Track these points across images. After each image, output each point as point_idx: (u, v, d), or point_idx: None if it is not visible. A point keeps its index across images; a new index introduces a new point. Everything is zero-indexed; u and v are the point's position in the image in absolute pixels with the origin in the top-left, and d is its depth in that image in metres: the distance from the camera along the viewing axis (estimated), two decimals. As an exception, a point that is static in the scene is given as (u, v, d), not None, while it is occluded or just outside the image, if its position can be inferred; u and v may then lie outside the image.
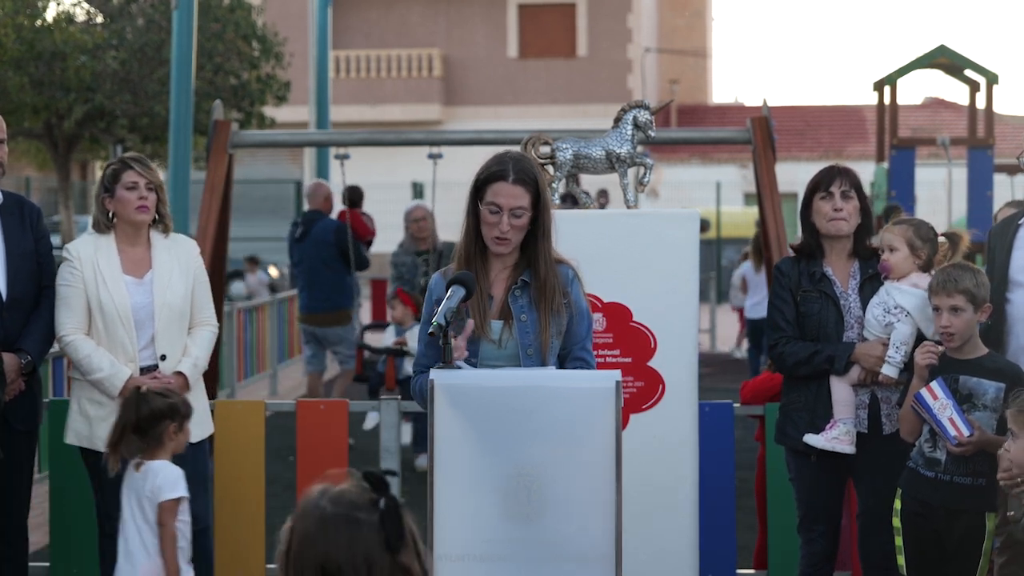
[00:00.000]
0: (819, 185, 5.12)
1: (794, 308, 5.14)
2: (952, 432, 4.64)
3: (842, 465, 5.14)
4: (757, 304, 12.83)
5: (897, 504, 4.90)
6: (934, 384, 4.68)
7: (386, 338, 9.92)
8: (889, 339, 5.00)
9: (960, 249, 5.36)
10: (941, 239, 5.19)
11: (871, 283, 5.12)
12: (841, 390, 5.07)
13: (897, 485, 4.97)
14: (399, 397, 6.19)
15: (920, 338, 5.00)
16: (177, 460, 5.39)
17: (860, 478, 5.16)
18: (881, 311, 5.03)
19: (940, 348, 4.78)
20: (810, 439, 5.08)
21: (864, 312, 5.09)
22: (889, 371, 4.98)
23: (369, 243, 11.81)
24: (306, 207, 11.86)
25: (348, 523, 2.44)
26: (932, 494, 4.77)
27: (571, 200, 11.64)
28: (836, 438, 5.04)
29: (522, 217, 4.22)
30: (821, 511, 5.19)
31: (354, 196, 11.98)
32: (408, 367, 9.50)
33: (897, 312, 4.99)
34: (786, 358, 5.12)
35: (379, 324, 10.58)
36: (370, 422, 10.24)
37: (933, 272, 5.06)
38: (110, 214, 5.45)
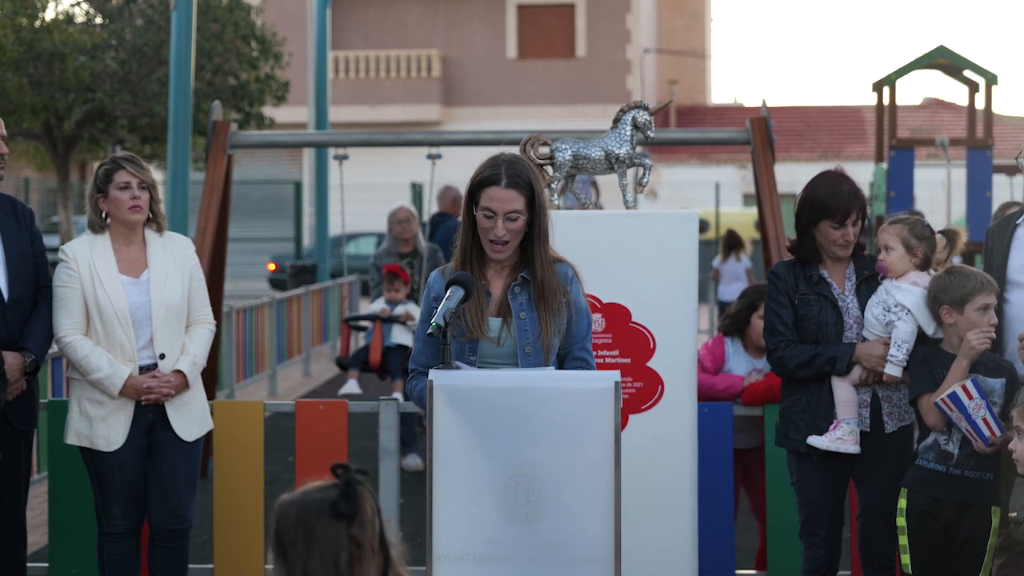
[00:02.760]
0: (834, 214, 5.03)
1: (792, 312, 5.13)
2: (986, 432, 4.64)
3: (845, 466, 5.14)
4: (729, 289, 15.03)
5: (902, 503, 4.90)
6: (969, 384, 4.67)
7: (373, 306, 9.88)
8: (889, 338, 5.00)
9: (958, 246, 5.35)
10: (938, 236, 5.19)
11: (868, 284, 5.12)
12: (843, 390, 5.07)
13: (900, 484, 4.98)
14: (398, 399, 6.19)
15: (921, 336, 5.00)
16: (172, 458, 5.41)
17: (862, 477, 5.16)
18: (881, 310, 5.02)
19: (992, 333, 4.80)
20: (814, 440, 5.07)
21: (863, 312, 5.09)
22: (893, 370, 4.98)
23: None
24: (435, 209, 11.97)
25: (300, 498, 2.61)
26: (942, 488, 4.79)
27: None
28: (840, 438, 5.04)
29: (517, 220, 4.21)
30: (823, 515, 5.18)
31: None
32: (396, 336, 9.50)
33: (898, 310, 4.99)
34: (787, 361, 5.12)
35: (361, 318, 10.55)
36: (346, 388, 10.14)
37: (931, 271, 5.06)
38: (104, 214, 5.45)
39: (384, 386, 10.42)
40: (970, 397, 4.65)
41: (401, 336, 9.53)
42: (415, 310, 9.46)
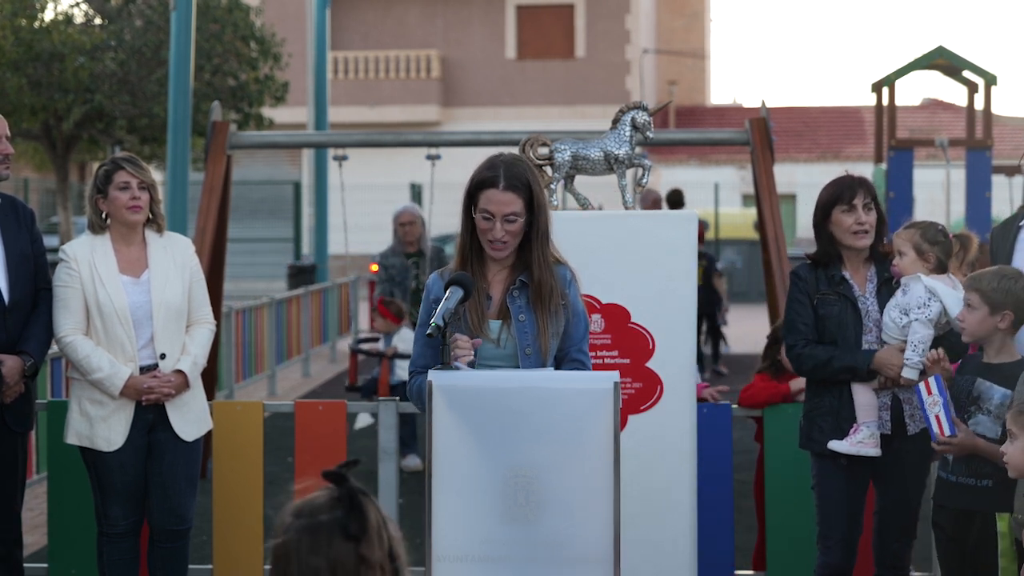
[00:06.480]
0: (841, 198, 5.06)
1: (812, 312, 5.13)
2: (935, 429, 4.68)
3: (865, 472, 5.14)
4: None
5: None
6: (931, 380, 4.70)
7: (379, 346, 9.93)
8: (906, 343, 4.99)
9: (971, 249, 5.37)
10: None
11: (888, 286, 5.12)
12: (863, 394, 5.07)
13: (918, 485, 5.07)
14: (397, 399, 6.19)
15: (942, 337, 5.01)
16: (172, 459, 5.41)
17: (881, 478, 5.16)
18: (898, 313, 5.02)
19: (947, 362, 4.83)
20: (834, 445, 5.07)
21: (883, 315, 5.08)
22: (909, 373, 4.96)
23: (700, 239, 13.00)
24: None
25: (309, 532, 2.43)
26: (945, 496, 4.81)
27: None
28: (861, 442, 5.03)
29: (516, 222, 4.20)
30: (840, 520, 5.17)
31: (675, 198, 13.81)
32: (400, 372, 9.50)
33: (919, 311, 4.97)
34: (804, 360, 5.12)
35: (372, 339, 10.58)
36: (360, 422, 10.23)
37: (949, 275, 5.06)
38: (104, 215, 5.45)
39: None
40: (929, 393, 4.69)
41: (405, 372, 9.51)
42: (406, 338, 9.47)
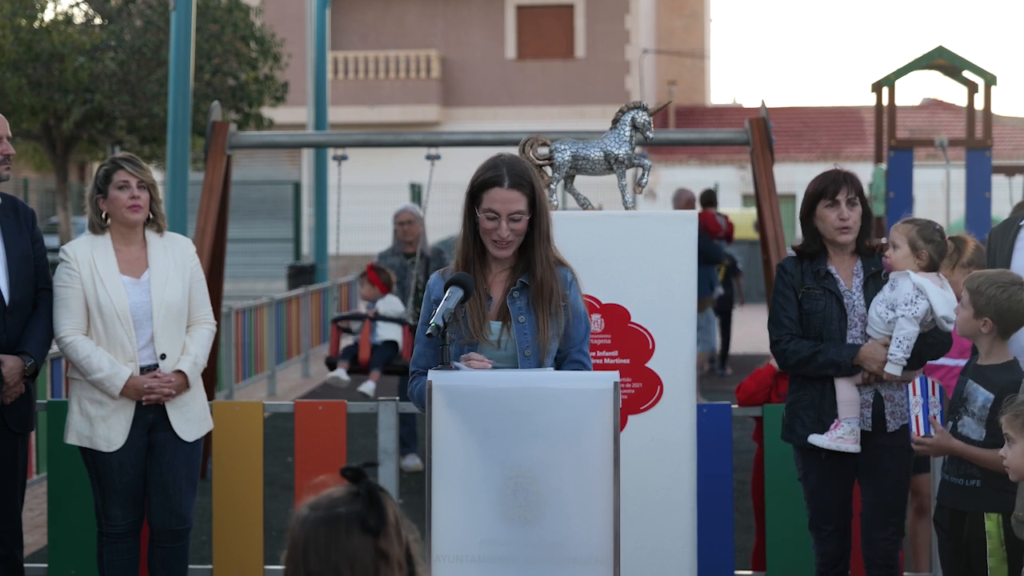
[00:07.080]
0: (824, 192, 5.10)
1: (796, 306, 5.15)
2: (913, 428, 4.76)
3: (849, 464, 5.15)
4: None
5: None
6: (917, 380, 4.76)
7: (362, 309, 9.95)
8: (890, 338, 5.00)
9: (965, 252, 5.36)
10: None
11: (874, 280, 5.14)
12: (845, 389, 5.08)
13: (901, 482, 5.07)
14: (396, 399, 6.19)
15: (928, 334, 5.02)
16: (172, 459, 5.41)
17: (864, 476, 5.18)
18: (885, 308, 5.03)
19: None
20: (815, 439, 5.09)
21: (868, 310, 5.09)
22: (892, 368, 4.98)
23: (727, 239, 14.36)
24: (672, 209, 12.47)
25: (326, 523, 2.41)
26: (942, 495, 4.84)
27: None
28: (841, 437, 5.06)
29: (520, 221, 4.21)
30: (830, 509, 5.19)
31: (708, 198, 14.61)
32: (381, 333, 9.56)
33: (906, 307, 4.97)
34: (788, 356, 5.14)
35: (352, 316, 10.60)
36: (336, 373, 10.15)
37: (939, 275, 5.07)
38: (104, 215, 5.45)
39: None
40: (914, 393, 4.76)
41: (387, 332, 9.58)
42: (390, 302, 9.55)
